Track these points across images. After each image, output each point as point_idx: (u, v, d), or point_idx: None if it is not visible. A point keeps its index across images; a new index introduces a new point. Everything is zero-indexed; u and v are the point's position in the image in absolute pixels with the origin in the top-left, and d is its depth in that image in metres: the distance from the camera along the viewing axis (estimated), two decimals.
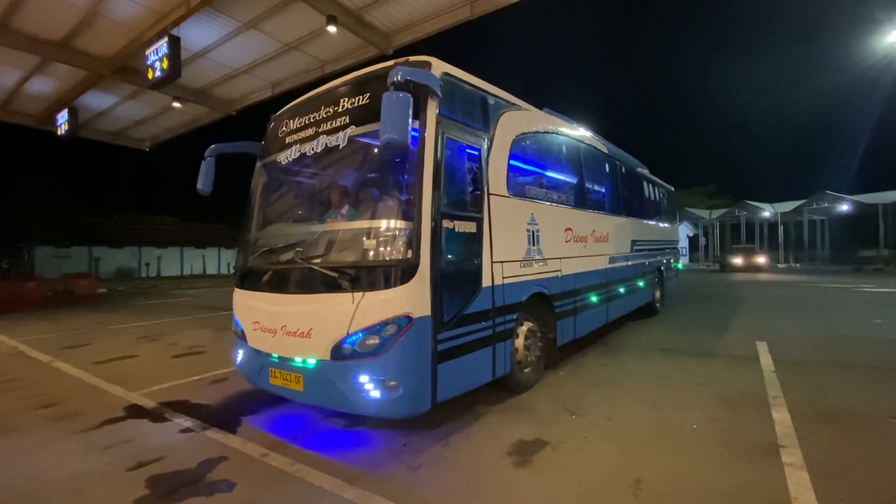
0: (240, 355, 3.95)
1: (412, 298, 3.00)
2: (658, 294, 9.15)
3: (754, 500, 2.44)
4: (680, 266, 12.07)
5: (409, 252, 3.04)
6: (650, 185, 9.28)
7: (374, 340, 3.00)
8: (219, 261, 45.25)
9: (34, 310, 13.00)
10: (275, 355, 3.49)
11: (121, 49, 10.25)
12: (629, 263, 7.39)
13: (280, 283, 3.63)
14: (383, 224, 3.32)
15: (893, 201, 23.96)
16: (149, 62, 9.31)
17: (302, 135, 3.78)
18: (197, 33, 9.70)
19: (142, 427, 3.76)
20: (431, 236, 3.09)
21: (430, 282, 3.08)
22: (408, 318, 2.98)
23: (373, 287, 3.05)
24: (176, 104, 12.95)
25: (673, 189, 11.45)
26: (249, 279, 3.97)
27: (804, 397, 3.96)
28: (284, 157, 3.88)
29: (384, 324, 2.97)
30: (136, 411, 4.14)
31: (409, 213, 3.11)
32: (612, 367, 5.20)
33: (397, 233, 3.15)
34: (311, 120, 3.75)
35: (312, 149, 3.62)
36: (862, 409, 3.68)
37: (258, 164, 4.35)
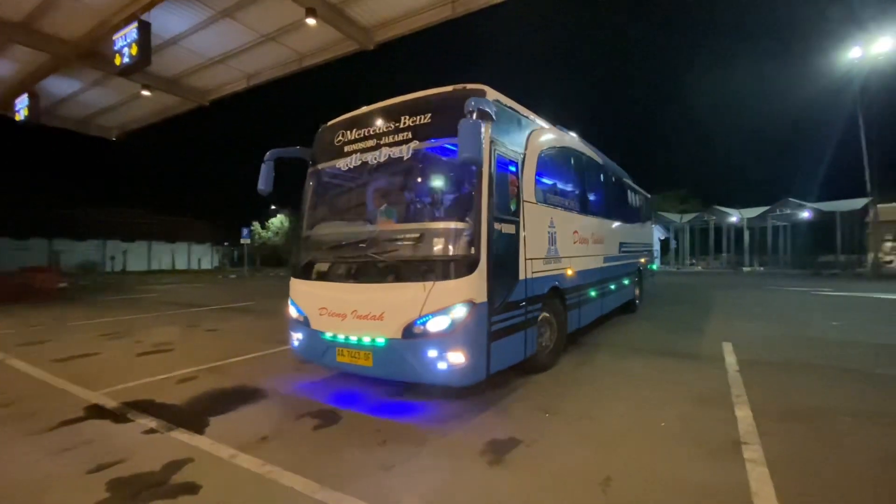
0: (300, 338, 4.45)
1: (474, 287, 3.62)
2: (638, 291, 9.87)
3: (718, 496, 2.52)
4: (654, 267, 12.59)
5: (472, 249, 3.66)
6: (632, 192, 10.00)
7: (443, 321, 3.57)
8: (189, 255, 43.91)
9: None
10: (342, 336, 3.99)
11: (87, 33, 9.82)
12: (618, 263, 8.14)
13: (352, 274, 4.14)
14: (452, 226, 3.84)
15: (849, 210, 25.13)
16: (116, 48, 8.98)
17: (362, 145, 4.27)
18: (169, 19, 9.39)
19: (103, 428, 3.61)
20: (488, 236, 3.70)
21: (486, 274, 3.68)
22: (472, 303, 3.59)
23: (442, 277, 3.63)
24: (145, 92, 12.51)
25: (650, 195, 12.01)
26: (315, 271, 4.44)
27: (766, 396, 4.11)
28: (344, 164, 4.36)
29: (452, 307, 3.56)
30: (96, 411, 3.97)
31: (471, 216, 3.72)
32: (588, 366, 5.29)
33: (462, 233, 3.74)
34: (372, 132, 4.25)
35: (375, 158, 4.13)
36: (821, 407, 3.84)
37: (314, 169, 4.79)
